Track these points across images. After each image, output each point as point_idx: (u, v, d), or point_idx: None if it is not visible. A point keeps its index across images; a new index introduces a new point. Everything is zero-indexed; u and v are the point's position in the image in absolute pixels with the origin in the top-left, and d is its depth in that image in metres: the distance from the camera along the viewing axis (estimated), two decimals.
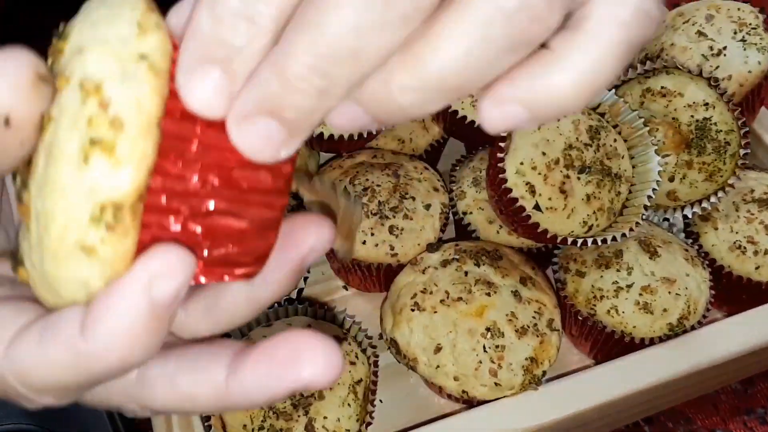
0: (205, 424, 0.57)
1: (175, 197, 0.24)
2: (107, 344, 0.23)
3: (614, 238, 0.59)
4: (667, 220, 0.66)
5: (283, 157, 0.24)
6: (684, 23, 0.71)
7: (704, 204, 0.63)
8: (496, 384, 0.57)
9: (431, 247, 0.65)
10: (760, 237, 0.63)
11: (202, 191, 0.24)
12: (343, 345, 0.61)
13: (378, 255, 0.65)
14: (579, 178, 0.60)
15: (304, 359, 0.24)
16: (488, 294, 0.59)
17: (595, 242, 0.59)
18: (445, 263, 0.62)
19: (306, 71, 0.21)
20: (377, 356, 0.61)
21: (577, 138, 0.60)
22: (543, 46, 0.23)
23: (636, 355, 0.59)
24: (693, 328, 0.61)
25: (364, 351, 0.62)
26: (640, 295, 0.60)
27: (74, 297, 0.24)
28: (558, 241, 0.59)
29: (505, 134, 0.60)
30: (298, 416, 0.56)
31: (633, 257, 0.61)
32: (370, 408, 0.59)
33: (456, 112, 0.67)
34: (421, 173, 0.69)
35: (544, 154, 0.59)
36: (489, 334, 0.58)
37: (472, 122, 0.67)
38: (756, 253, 0.63)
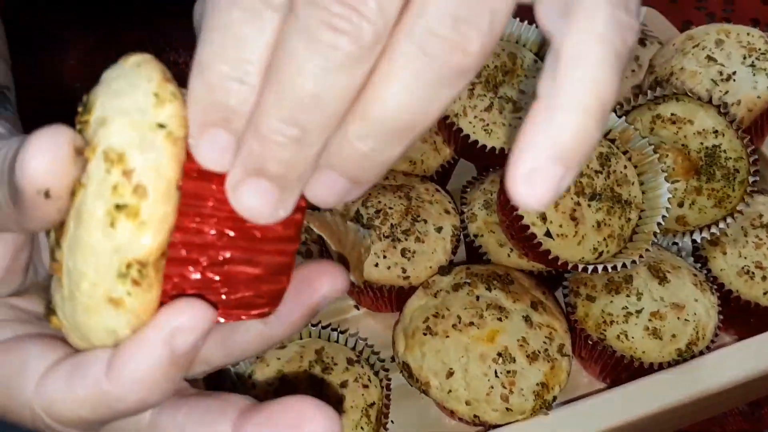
0: None
1: (194, 249, 0.26)
2: (129, 386, 0.26)
3: (624, 265, 0.60)
4: (676, 244, 0.67)
5: (282, 216, 0.26)
6: (694, 47, 0.72)
7: (713, 229, 0.64)
8: (507, 409, 0.58)
9: (443, 270, 0.66)
10: None
11: (219, 243, 0.26)
12: (356, 367, 0.62)
13: (390, 277, 0.66)
14: (589, 205, 0.60)
15: (303, 425, 0.27)
16: (499, 319, 0.60)
17: (605, 269, 0.60)
18: (456, 287, 0.63)
19: (277, 124, 0.23)
20: (389, 379, 0.62)
21: (587, 165, 0.61)
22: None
23: (645, 380, 0.60)
24: (701, 353, 0.61)
25: (376, 374, 0.63)
26: (650, 320, 0.61)
27: (104, 344, 0.27)
28: (569, 267, 0.60)
29: None
30: None
31: (642, 282, 0.62)
32: (382, 431, 0.60)
33: (468, 136, 0.68)
34: (433, 195, 0.70)
35: None
36: (500, 359, 0.59)
37: (484, 146, 0.68)
38: (764, 278, 0.64)
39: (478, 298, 0.62)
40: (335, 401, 0.60)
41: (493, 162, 0.71)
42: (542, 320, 0.61)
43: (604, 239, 0.61)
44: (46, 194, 0.25)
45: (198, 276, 0.27)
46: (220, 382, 0.62)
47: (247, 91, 0.24)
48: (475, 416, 0.59)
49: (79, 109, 0.27)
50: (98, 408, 0.26)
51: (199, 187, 0.26)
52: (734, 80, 0.69)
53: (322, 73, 0.22)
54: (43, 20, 1.00)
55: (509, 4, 0.23)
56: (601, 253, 0.61)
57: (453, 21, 0.22)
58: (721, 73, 0.70)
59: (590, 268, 0.60)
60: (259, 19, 0.23)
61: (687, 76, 0.71)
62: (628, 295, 0.62)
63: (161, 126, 0.25)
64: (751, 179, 0.64)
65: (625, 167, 0.63)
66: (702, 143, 0.64)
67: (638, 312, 0.61)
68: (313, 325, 0.65)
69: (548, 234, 0.60)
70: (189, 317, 0.26)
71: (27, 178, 0.24)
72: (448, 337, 0.60)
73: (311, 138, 0.23)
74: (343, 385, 0.61)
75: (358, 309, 0.74)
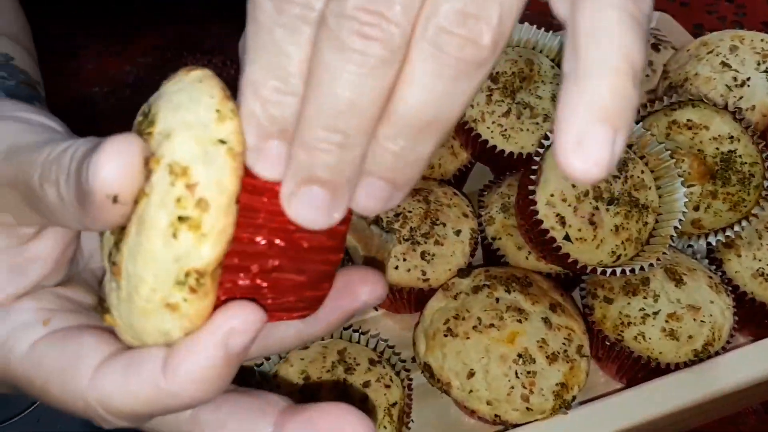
0: None
1: (246, 258, 0.27)
2: (185, 384, 0.27)
3: (642, 268, 0.61)
4: (691, 246, 0.68)
5: (337, 219, 0.27)
6: (708, 53, 0.73)
7: (728, 232, 0.65)
8: (527, 408, 0.60)
9: (462, 273, 0.67)
10: None
11: (269, 252, 0.28)
12: (378, 368, 0.63)
13: (410, 280, 0.68)
14: (608, 210, 0.62)
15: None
16: (519, 321, 0.61)
17: (623, 272, 0.61)
18: (476, 289, 0.64)
19: (321, 132, 0.24)
20: (411, 379, 0.63)
21: None
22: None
23: (663, 380, 0.61)
24: (717, 353, 0.63)
25: (398, 374, 0.64)
26: (666, 322, 0.62)
27: (156, 344, 0.28)
28: (587, 270, 0.61)
29: (535, 166, 0.62)
30: None
31: (659, 285, 0.63)
32: (405, 430, 0.61)
33: (486, 141, 0.69)
34: (451, 199, 0.71)
35: (573, 186, 0.62)
36: (521, 360, 0.60)
37: (502, 151, 0.69)
38: None
39: (497, 300, 0.63)
40: (359, 401, 0.61)
41: (510, 166, 0.72)
42: (561, 322, 0.62)
43: (622, 243, 0.62)
44: (114, 199, 0.25)
45: (248, 282, 0.28)
46: (244, 381, 0.63)
47: (297, 102, 0.25)
48: (495, 416, 0.60)
49: (139, 118, 0.28)
50: (153, 403, 0.27)
51: (251, 200, 0.27)
52: (748, 86, 0.70)
53: (356, 80, 0.23)
54: (59, 26, 1.01)
55: None
56: (619, 257, 0.62)
57: (463, 17, 0.23)
58: (735, 79, 0.71)
59: (609, 271, 0.61)
60: (299, 35, 0.24)
61: (701, 81, 0.72)
62: (645, 297, 0.63)
63: (222, 142, 0.26)
64: (766, 183, 0.65)
65: (642, 172, 0.64)
66: (718, 148, 0.65)
67: (655, 314, 0.62)
68: None
69: (567, 238, 0.61)
70: (242, 320, 0.27)
71: (99, 183, 0.25)
72: (468, 338, 0.61)
73: (353, 141, 0.25)
74: (366, 385, 0.62)
75: (377, 310, 0.75)
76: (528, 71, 0.71)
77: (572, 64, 0.23)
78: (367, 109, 0.24)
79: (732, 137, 0.65)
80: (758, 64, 0.71)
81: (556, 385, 0.60)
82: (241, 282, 0.28)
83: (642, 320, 0.63)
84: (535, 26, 0.73)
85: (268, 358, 0.64)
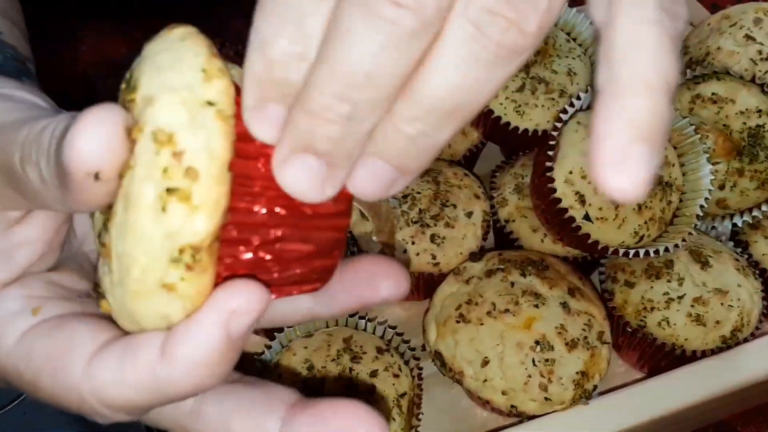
0: None
1: (245, 229, 0.25)
2: (184, 370, 0.25)
3: (666, 249, 0.57)
4: (714, 228, 0.65)
5: (329, 195, 0.24)
6: (730, 26, 0.70)
7: (755, 212, 0.62)
8: (546, 399, 0.56)
9: (474, 256, 0.63)
10: None
11: (270, 221, 0.25)
12: (386, 356, 0.60)
13: (419, 264, 0.64)
14: None
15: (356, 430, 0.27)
16: (536, 306, 0.58)
17: (647, 253, 0.57)
18: (489, 273, 0.61)
19: (329, 100, 0.22)
20: (421, 368, 0.60)
21: None
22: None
23: (689, 368, 0.58)
24: (746, 340, 0.59)
25: (407, 363, 0.61)
26: (692, 306, 0.59)
27: (156, 329, 0.26)
28: (609, 252, 0.58)
29: (552, 142, 0.59)
30: None
31: (684, 267, 0.60)
32: (415, 422, 0.57)
33: (499, 117, 0.66)
34: (461, 180, 0.68)
35: None
36: (538, 347, 0.56)
37: (516, 128, 0.66)
38: None
39: (512, 284, 0.59)
40: (366, 391, 0.57)
41: (524, 144, 0.68)
42: (580, 307, 0.59)
43: (645, 222, 0.58)
44: (96, 177, 0.23)
45: (250, 256, 0.26)
46: (244, 370, 0.60)
47: (307, 68, 0.23)
48: (512, 406, 0.57)
49: (123, 86, 0.25)
50: (150, 393, 0.25)
51: (246, 167, 0.25)
52: None
53: (379, 50, 0.21)
54: (56, 9, 0.99)
55: None
56: (641, 237, 0.59)
57: None
58: (760, 53, 0.67)
59: (631, 252, 0.57)
60: None
61: (724, 55, 0.68)
62: (669, 281, 0.60)
63: (210, 104, 0.24)
64: None
65: (665, 148, 0.60)
66: (745, 123, 0.62)
67: (680, 298, 0.59)
68: None
69: (587, 217, 0.58)
70: (245, 299, 0.25)
71: (76, 161, 0.23)
72: (482, 324, 0.58)
73: (363, 116, 0.22)
74: (373, 374, 0.58)
75: None
76: (543, 45, 0.67)
77: (607, 75, 0.22)
78: (385, 84, 0.22)
79: (760, 111, 0.62)
80: None
81: (576, 373, 0.56)
82: (242, 256, 0.25)
83: (666, 305, 0.59)
84: None
85: (269, 347, 0.60)
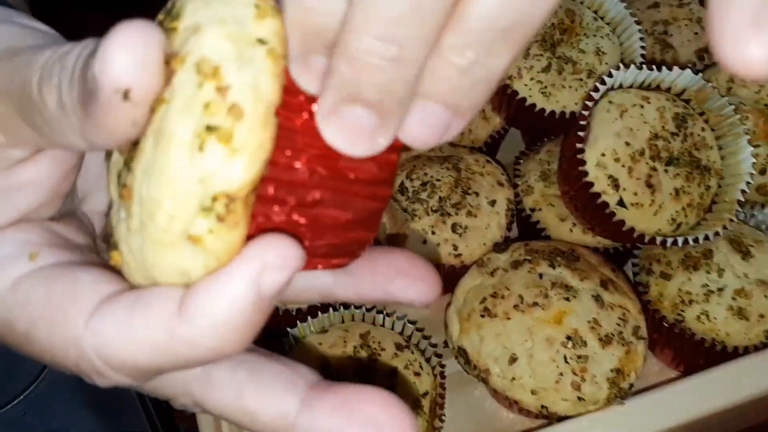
0: None
1: (282, 187, 0.23)
2: (205, 329, 0.22)
3: (706, 237, 0.53)
4: (754, 216, 0.61)
5: (382, 145, 0.23)
6: None
7: None
8: (579, 398, 0.52)
9: (498, 247, 0.60)
10: None
11: (310, 181, 0.23)
12: (406, 353, 0.56)
13: (440, 255, 0.60)
14: (666, 171, 0.54)
15: (383, 424, 0.24)
16: (567, 299, 0.54)
17: (686, 242, 0.53)
18: (515, 264, 0.57)
19: (372, 43, 0.20)
20: (443, 366, 0.56)
21: (662, 127, 0.55)
22: None
23: (732, 365, 0.54)
24: None
25: (428, 360, 0.57)
26: (734, 299, 0.55)
27: (172, 286, 0.23)
28: (645, 241, 0.54)
29: (583, 122, 0.55)
30: None
31: (724, 258, 0.56)
32: (438, 424, 0.54)
33: (524, 99, 0.62)
34: (483, 166, 0.64)
35: (627, 144, 0.54)
36: (570, 343, 0.52)
37: (542, 110, 0.62)
38: None
39: (541, 276, 0.55)
40: (388, 376, 0.54)
41: (550, 129, 0.65)
42: (614, 300, 0.55)
43: (683, 209, 0.55)
44: (125, 95, 0.21)
45: (284, 218, 0.23)
46: None
47: (343, 11, 0.21)
48: (542, 407, 0.53)
49: (161, 16, 0.23)
50: (161, 353, 0.23)
51: (289, 119, 0.22)
52: None
53: None
54: (64, 3, 0.96)
55: None
56: (679, 225, 0.55)
57: None
58: None
59: (669, 241, 0.53)
60: None
61: None
62: (708, 272, 0.56)
63: (261, 42, 0.22)
64: None
65: (703, 129, 0.57)
66: None
67: (720, 290, 0.55)
68: (356, 308, 0.58)
69: (621, 203, 0.54)
70: (281, 253, 0.22)
71: (107, 73, 0.20)
72: (509, 318, 0.54)
73: (411, 55, 0.20)
74: (392, 373, 0.55)
75: None
76: (569, 22, 0.63)
77: None
78: (431, 12, 0.20)
79: None
80: None
81: (611, 371, 0.52)
82: (275, 217, 0.23)
83: (705, 298, 0.55)
84: None
85: (281, 342, 0.57)
